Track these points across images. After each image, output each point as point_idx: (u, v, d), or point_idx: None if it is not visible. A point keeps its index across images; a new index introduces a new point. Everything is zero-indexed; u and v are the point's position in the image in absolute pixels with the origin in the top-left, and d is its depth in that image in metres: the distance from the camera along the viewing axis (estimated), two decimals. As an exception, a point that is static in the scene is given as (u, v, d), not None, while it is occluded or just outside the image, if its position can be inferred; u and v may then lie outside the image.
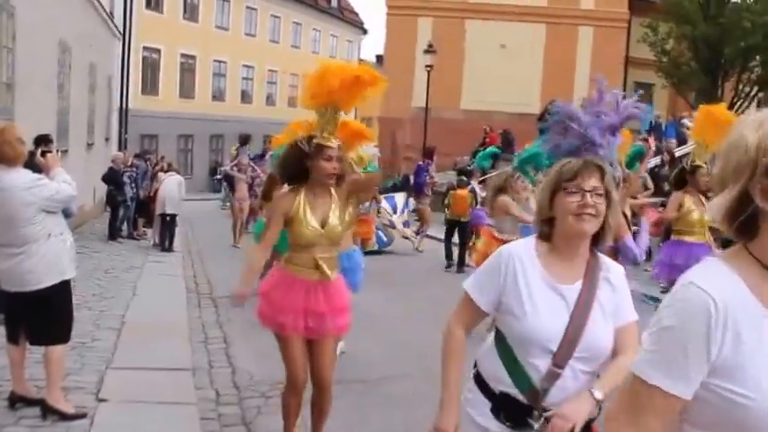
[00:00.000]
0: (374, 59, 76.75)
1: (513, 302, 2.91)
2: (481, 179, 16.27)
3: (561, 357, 2.84)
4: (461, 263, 15.13)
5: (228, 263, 13.92)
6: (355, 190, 5.26)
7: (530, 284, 2.91)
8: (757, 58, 35.11)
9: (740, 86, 36.19)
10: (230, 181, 19.77)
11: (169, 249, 16.72)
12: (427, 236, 18.91)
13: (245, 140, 19.92)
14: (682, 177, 8.69)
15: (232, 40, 44.83)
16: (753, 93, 36.67)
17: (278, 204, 5.16)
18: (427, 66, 29.15)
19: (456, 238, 15.84)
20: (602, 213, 2.92)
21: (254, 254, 5.53)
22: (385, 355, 8.57)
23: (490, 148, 16.87)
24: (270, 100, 49.87)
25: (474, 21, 34.17)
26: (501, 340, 2.99)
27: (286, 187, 5.34)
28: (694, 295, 1.72)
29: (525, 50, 33.56)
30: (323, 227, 4.98)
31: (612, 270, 3.05)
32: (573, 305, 2.89)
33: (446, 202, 16.15)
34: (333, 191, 5.08)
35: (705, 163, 8.41)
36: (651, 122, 27.95)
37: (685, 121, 24.22)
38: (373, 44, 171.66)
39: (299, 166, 5.01)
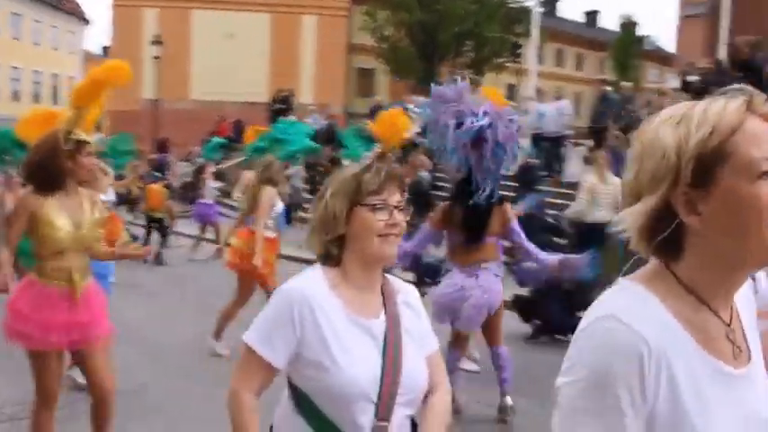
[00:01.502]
0: (101, 51, 74.46)
1: (317, 354, 2.35)
2: (216, 169, 16.59)
3: (385, 407, 2.36)
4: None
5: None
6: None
7: (335, 328, 2.37)
8: (467, 43, 37.55)
9: (455, 70, 38.61)
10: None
11: None
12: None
13: None
14: None
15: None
16: (467, 76, 39.16)
17: (23, 204, 4.68)
18: (155, 57, 28.99)
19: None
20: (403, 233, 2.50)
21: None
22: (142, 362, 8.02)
23: (216, 140, 17.20)
24: (-9, 94, 47.12)
25: (199, 11, 34.21)
26: (302, 400, 2.43)
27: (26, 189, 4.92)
28: (620, 336, 1.38)
29: (251, 40, 34.03)
30: (77, 230, 4.61)
31: (408, 291, 2.65)
32: (382, 342, 2.43)
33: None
34: (81, 190, 4.73)
35: None
36: (372, 108, 29.48)
37: (411, 106, 25.47)
38: (99, 36, 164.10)
39: (59, 165, 4.57)
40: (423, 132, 20.95)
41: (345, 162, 9.29)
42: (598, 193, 10.14)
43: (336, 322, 2.38)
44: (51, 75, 53.01)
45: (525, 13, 38.21)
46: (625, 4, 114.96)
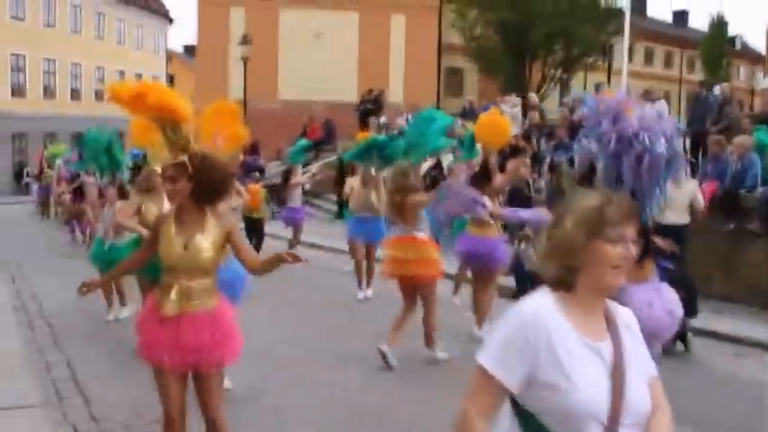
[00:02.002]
0: (182, 50, 75.16)
1: (552, 374, 2.42)
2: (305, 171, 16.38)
3: (613, 429, 2.44)
4: None
5: (55, 275, 13.13)
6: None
7: (568, 350, 2.45)
8: (557, 42, 36.84)
9: (546, 69, 37.88)
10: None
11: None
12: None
13: None
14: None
15: (29, 31, 42.43)
16: (558, 75, 38.53)
17: (159, 218, 4.94)
18: (243, 57, 28.59)
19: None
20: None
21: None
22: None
23: (302, 142, 16.72)
24: (75, 95, 47.47)
25: (287, 10, 33.80)
26: (529, 420, 2.50)
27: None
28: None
29: (339, 39, 33.56)
30: (186, 249, 4.58)
31: (627, 315, 2.71)
32: (611, 365, 2.50)
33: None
34: (207, 210, 4.71)
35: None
36: (464, 107, 28.77)
37: (504, 106, 24.81)
38: (180, 34, 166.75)
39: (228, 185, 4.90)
40: (527, 135, 20.51)
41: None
42: (670, 195, 9.87)
43: (569, 344, 2.47)
44: (135, 74, 53.33)
45: (616, 12, 37.44)
46: (714, 4, 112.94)
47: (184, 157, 4.58)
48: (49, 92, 45.36)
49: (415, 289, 8.11)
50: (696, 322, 9.34)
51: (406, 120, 27.05)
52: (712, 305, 10.58)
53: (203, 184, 4.58)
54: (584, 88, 45.14)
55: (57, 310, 10.87)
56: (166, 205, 7.64)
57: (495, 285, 9.55)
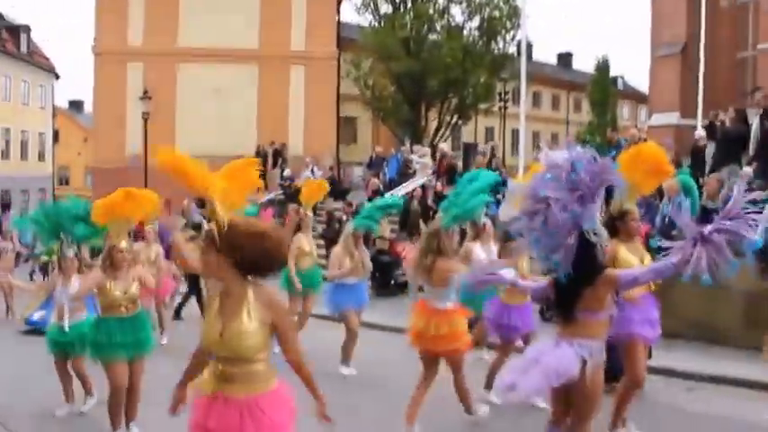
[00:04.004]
0: (67, 105, 73.40)
1: None
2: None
3: None
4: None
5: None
6: None
7: None
8: (453, 89, 37.77)
9: (441, 116, 38.66)
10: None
11: None
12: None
13: (8, 205, 17.98)
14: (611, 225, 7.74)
15: None
16: (452, 121, 39.34)
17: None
18: (144, 113, 28.13)
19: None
20: None
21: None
22: None
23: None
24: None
25: (186, 64, 33.44)
26: None
27: None
28: None
29: (239, 92, 33.34)
30: (221, 335, 4.12)
31: None
32: None
33: None
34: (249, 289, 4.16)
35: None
36: (371, 157, 28.98)
37: (414, 156, 25.02)
38: (65, 90, 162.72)
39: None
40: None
41: None
42: None
43: None
44: (20, 131, 51.70)
45: (507, 58, 38.62)
46: (595, 46, 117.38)
47: (211, 227, 4.13)
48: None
49: (437, 359, 7.56)
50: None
51: (312, 171, 27.08)
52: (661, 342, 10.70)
53: (234, 256, 4.07)
54: (475, 132, 46.16)
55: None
56: (133, 282, 7.50)
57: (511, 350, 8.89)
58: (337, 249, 10.53)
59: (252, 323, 4.05)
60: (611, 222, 7.20)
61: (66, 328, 8.48)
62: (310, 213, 12.31)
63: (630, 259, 7.16)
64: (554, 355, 5.22)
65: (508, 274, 5.92)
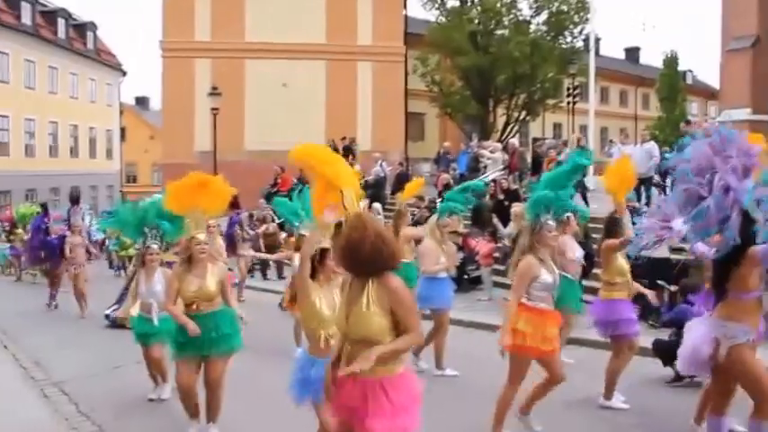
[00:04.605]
0: (133, 102, 74.41)
1: None
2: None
3: None
4: None
5: (51, 333, 12.45)
6: None
7: None
8: (521, 85, 37.27)
9: (510, 112, 38.18)
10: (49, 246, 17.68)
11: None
12: (248, 287, 18.30)
13: (76, 199, 18.15)
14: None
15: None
16: (521, 117, 38.86)
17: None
18: (213, 108, 28.07)
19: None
20: None
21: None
22: None
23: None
24: (29, 151, 46.10)
25: (253, 60, 33.49)
26: None
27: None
28: None
29: (306, 88, 33.28)
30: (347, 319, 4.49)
31: None
32: None
33: None
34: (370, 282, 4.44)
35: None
36: (439, 152, 28.64)
37: (484, 151, 24.64)
38: (131, 86, 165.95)
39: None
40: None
41: None
42: None
43: None
44: (88, 128, 52.42)
45: (577, 53, 37.97)
46: (663, 40, 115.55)
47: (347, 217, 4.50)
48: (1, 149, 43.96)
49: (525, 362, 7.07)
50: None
51: (381, 166, 26.80)
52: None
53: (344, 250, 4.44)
54: (543, 128, 45.54)
55: (68, 377, 10.18)
56: (210, 279, 7.25)
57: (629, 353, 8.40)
58: (429, 243, 10.06)
59: (371, 308, 4.32)
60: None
61: (156, 322, 8.49)
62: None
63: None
64: (689, 336, 5.83)
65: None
